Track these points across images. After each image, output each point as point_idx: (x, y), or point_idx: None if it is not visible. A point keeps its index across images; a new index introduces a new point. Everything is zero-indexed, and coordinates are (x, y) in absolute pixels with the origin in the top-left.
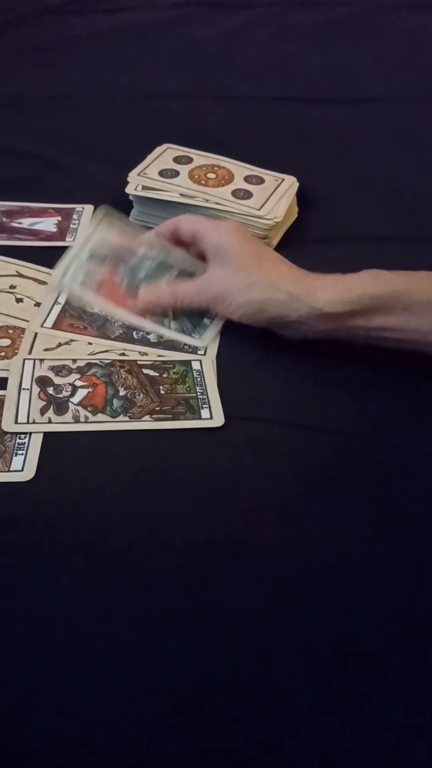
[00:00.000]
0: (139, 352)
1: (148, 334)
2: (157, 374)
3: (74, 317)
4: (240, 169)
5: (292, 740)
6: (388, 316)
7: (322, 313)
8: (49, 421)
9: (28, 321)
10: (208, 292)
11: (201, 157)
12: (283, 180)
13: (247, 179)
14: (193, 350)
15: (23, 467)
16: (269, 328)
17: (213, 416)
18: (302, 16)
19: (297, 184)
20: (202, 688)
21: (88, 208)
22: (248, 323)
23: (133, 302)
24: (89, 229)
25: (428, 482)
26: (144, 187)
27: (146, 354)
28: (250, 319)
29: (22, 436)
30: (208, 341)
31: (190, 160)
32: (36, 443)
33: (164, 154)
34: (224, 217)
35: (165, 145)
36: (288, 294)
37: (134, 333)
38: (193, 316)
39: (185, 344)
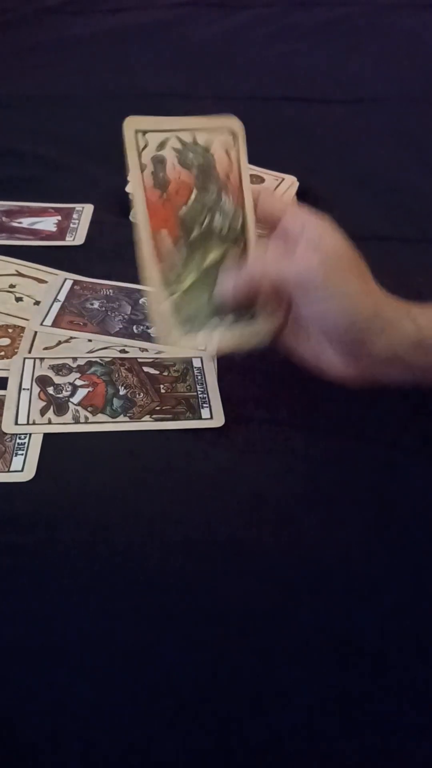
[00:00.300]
0: (140, 348)
1: (148, 328)
2: (157, 372)
3: (74, 313)
4: None
5: (292, 740)
6: None
7: (425, 341)
8: (49, 422)
9: (27, 320)
10: (305, 266)
11: None
12: (283, 179)
13: None
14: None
15: (23, 467)
16: (332, 360)
17: (213, 416)
18: (302, 16)
19: (297, 184)
20: (202, 688)
21: (88, 207)
22: (328, 330)
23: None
24: (204, 123)
25: (428, 482)
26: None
27: (146, 350)
28: (340, 327)
29: (22, 436)
30: (187, 344)
31: None
32: (36, 443)
33: None
34: None
35: None
36: (394, 312)
37: (134, 327)
38: (206, 309)
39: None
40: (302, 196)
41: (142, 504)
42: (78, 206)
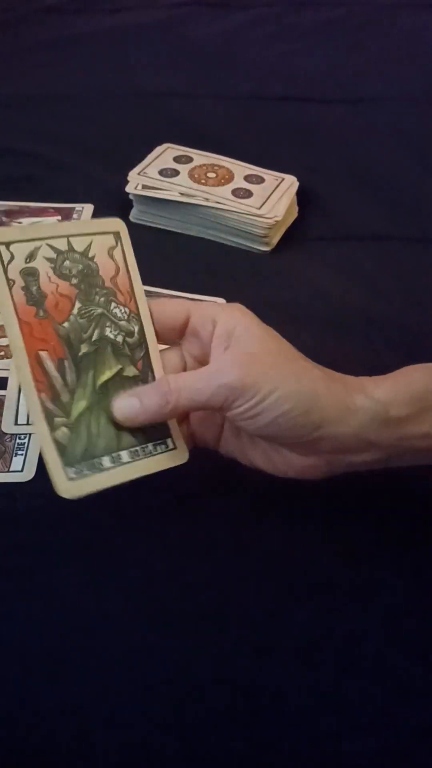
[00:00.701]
0: None
1: None
2: None
3: None
4: (240, 169)
5: (292, 740)
6: None
7: (388, 417)
8: None
9: None
10: (227, 380)
11: (201, 157)
12: (283, 179)
13: (247, 178)
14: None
15: (23, 467)
16: (288, 457)
17: None
18: (302, 16)
19: (297, 184)
20: (203, 688)
21: (88, 207)
22: (276, 434)
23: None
24: (85, 228)
25: (428, 482)
26: (144, 187)
27: None
28: (287, 427)
29: (22, 436)
30: (74, 495)
31: (190, 159)
32: (36, 443)
33: (164, 154)
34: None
35: (165, 145)
36: (344, 392)
37: None
38: (100, 440)
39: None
40: (302, 195)
41: (141, 504)
42: (78, 206)
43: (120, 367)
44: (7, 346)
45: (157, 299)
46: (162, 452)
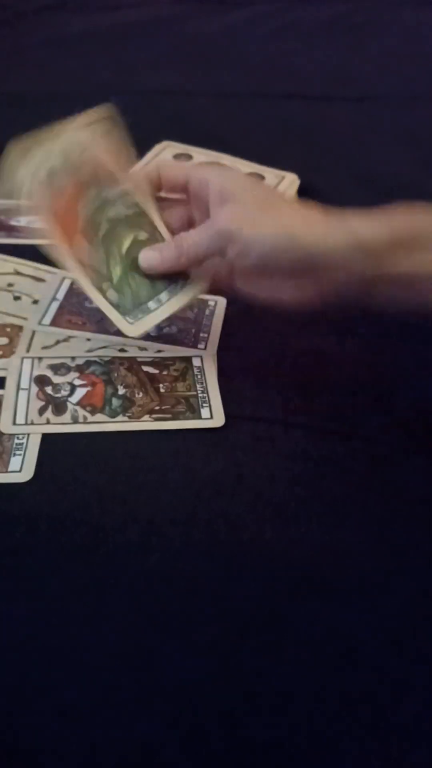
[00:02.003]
0: (138, 347)
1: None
2: (156, 371)
3: (73, 312)
4: (240, 167)
5: (292, 740)
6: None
7: (366, 248)
8: (48, 422)
9: (26, 319)
10: (216, 226)
11: (201, 155)
12: (284, 177)
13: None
14: (194, 342)
15: (21, 468)
16: (277, 290)
17: (213, 416)
18: (304, 14)
19: (298, 182)
20: (203, 688)
21: None
22: (267, 269)
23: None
24: (75, 125)
25: (429, 482)
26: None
27: (145, 349)
28: (271, 261)
29: (20, 436)
30: (139, 333)
31: (189, 157)
32: (34, 444)
33: (164, 152)
34: None
35: (165, 143)
36: (322, 223)
37: None
38: (141, 290)
39: (187, 333)
40: (303, 193)
41: (141, 504)
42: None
43: (134, 234)
44: (5, 345)
45: (163, 162)
46: (188, 285)
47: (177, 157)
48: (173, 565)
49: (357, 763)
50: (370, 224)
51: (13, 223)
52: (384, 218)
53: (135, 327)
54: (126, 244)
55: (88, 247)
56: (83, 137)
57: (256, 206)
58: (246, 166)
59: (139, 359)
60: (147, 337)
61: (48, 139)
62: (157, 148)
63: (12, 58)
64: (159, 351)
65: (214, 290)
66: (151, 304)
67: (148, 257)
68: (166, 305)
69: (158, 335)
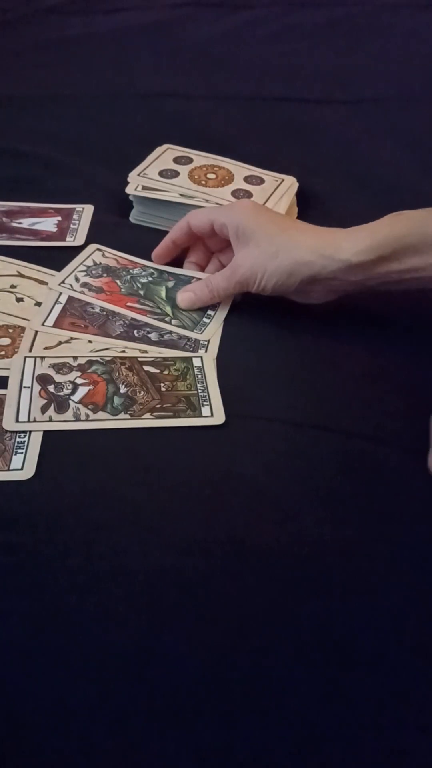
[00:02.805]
0: (140, 350)
1: (149, 333)
2: (157, 371)
3: (75, 316)
4: (240, 170)
5: (292, 740)
6: (418, 255)
7: (351, 265)
8: (50, 420)
9: (28, 320)
10: (237, 275)
11: (201, 158)
12: (283, 180)
13: (247, 179)
14: (194, 348)
15: (23, 466)
16: (301, 296)
17: (214, 414)
18: (303, 17)
19: (297, 185)
20: (202, 688)
21: (88, 208)
22: (283, 293)
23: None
24: (81, 254)
25: (428, 482)
26: (144, 188)
27: (146, 352)
28: (283, 288)
29: (22, 434)
30: (210, 335)
31: (190, 160)
32: (36, 442)
33: (164, 155)
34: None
35: (165, 146)
36: (313, 252)
37: (135, 332)
38: (193, 313)
39: (188, 339)
40: (302, 196)
41: (141, 503)
42: (78, 207)
43: (164, 286)
44: (8, 346)
45: (191, 214)
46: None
47: (177, 160)
48: (173, 563)
49: (357, 761)
50: (357, 243)
51: (15, 225)
52: (368, 233)
53: (204, 334)
54: (163, 293)
55: (138, 303)
56: (98, 250)
57: (269, 243)
58: (245, 169)
59: (140, 359)
60: (148, 341)
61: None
62: (158, 151)
63: (13, 61)
64: (160, 353)
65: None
66: (206, 319)
67: (185, 298)
68: (218, 314)
69: (160, 341)
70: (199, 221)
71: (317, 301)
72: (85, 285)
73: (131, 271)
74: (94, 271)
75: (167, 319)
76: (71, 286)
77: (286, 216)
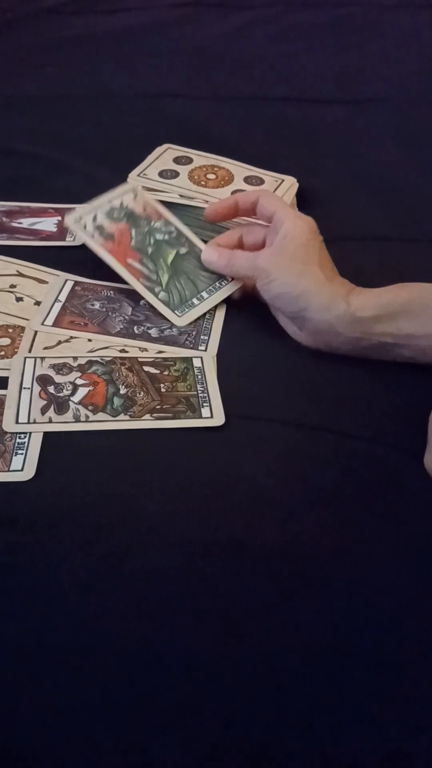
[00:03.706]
0: (140, 348)
1: (149, 329)
2: (157, 372)
3: (75, 314)
4: (240, 170)
5: (292, 740)
6: (417, 322)
7: (353, 317)
8: (50, 421)
9: (28, 320)
10: (258, 262)
11: (201, 158)
12: (282, 180)
13: (247, 180)
14: (194, 344)
15: (23, 467)
16: (294, 324)
17: (213, 415)
18: (303, 17)
19: (297, 185)
20: (202, 688)
21: None
22: (280, 308)
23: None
24: (116, 191)
25: (428, 482)
26: (144, 188)
27: (146, 350)
28: (284, 303)
29: (22, 435)
30: (186, 323)
31: (190, 160)
32: (36, 442)
33: (164, 155)
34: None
35: (165, 146)
36: (330, 293)
37: (135, 328)
38: (186, 290)
39: (188, 334)
40: (302, 196)
41: (142, 503)
42: (78, 206)
43: (175, 250)
44: (8, 346)
45: (263, 193)
46: (224, 286)
47: (177, 159)
48: (173, 563)
49: (356, 760)
50: (364, 300)
51: (15, 225)
52: (376, 294)
53: (183, 318)
54: (171, 257)
55: (140, 262)
56: (123, 196)
57: (301, 263)
58: (245, 170)
59: (140, 359)
60: (149, 338)
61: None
62: (158, 151)
63: (14, 61)
64: (160, 352)
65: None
66: (195, 301)
67: (209, 254)
68: (206, 301)
69: (160, 337)
70: (269, 204)
71: (305, 341)
72: (99, 228)
73: (152, 224)
74: (116, 214)
75: (156, 289)
76: (86, 226)
77: (329, 256)
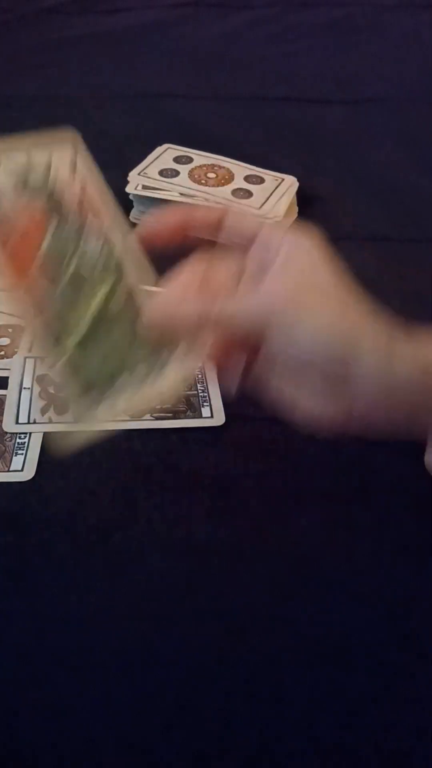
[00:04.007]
0: None
1: None
2: None
3: None
4: (240, 169)
5: (292, 740)
6: None
7: (395, 374)
8: (50, 421)
9: None
10: (266, 303)
11: (201, 157)
12: (283, 180)
13: (247, 179)
14: None
15: (23, 467)
16: (312, 401)
17: (214, 415)
18: (303, 17)
19: (297, 184)
20: (202, 688)
21: None
22: (306, 366)
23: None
24: (34, 142)
25: (426, 483)
26: (144, 187)
27: None
28: (319, 357)
29: (22, 435)
30: (93, 420)
31: (190, 159)
32: (36, 443)
33: (164, 154)
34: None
35: (165, 145)
36: (387, 334)
37: None
38: (111, 357)
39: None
40: (302, 196)
41: (142, 503)
42: None
43: (113, 280)
44: (7, 346)
45: (231, 210)
46: (178, 362)
47: (177, 159)
48: (173, 563)
49: (357, 763)
50: (412, 349)
51: None
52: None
53: (90, 411)
54: (102, 289)
55: (48, 286)
56: (49, 157)
57: (322, 290)
58: (245, 169)
59: None
60: None
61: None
62: (158, 150)
63: (12, 61)
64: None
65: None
66: (120, 381)
67: (159, 303)
68: (136, 394)
69: None
70: (245, 227)
71: (337, 419)
72: None
73: (70, 226)
74: (31, 182)
75: (64, 336)
76: None
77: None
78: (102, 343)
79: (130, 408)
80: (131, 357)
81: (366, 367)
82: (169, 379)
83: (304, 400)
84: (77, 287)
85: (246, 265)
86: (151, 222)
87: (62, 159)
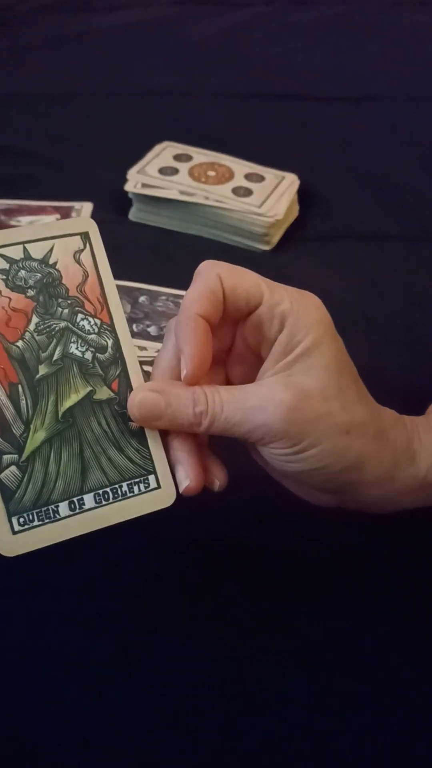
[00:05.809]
0: (138, 347)
1: (148, 326)
2: None
3: None
4: (240, 167)
5: (292, 740)
6: None
7: (423, 482)
8: None
9: None
10: (270, 415)
11: (201, 155)
12: (283, 178)
13: (248, 177)
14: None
15: None
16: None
17: None
18: (302, 14)
19: (298, 182)
20: (202, 688)
21: (87, 205)
22: (307, 482)
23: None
24: (55, 226)
25: None
26: (143, 185)
27: (145, 348)
28: (321, 480)
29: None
30: (18, 551)
31: (189, 157)
32: None
33: (164, 152)
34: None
35: (165, 143)
36: (392, 453)
37: (133, 326)
38: (67, 474)
39: None
40: (303, 193)
41: None
42: (77, 204)
43: (90, 389)
44: None
45: (234, 270)
46: (140, 493)
47: (177, 157)
48: (172, 564)
49: (357, 763)
50: None
51: (14, 223)
52: None
53: (17, 540)
54: (71, 400)
55: (6, 391)
56: (59, 244)
57: (327, 402)
58: (246, 167)
59: (138, 358)
60: (147, 336)
61: (7, 236)
62: (157, 148)
63: (12, 59)
64: (159, 351)
65: None
66: (63, 508)
67: (146, 399)
68: (86, 516)
69: (159, 335)
70: (247, 284)
71: (331, 503)
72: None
73: (76, 318)
74: (23, 273)
75: (6, 458)
76: None
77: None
78: (63, 454)
79: (72, 531)
80: (92, 477)
81: (368, 489)
82: (131, 507)
83: (302, 492)
84: (49, 388)
85: (236, 343)
86: (192, 352)
87: (65, 250)
